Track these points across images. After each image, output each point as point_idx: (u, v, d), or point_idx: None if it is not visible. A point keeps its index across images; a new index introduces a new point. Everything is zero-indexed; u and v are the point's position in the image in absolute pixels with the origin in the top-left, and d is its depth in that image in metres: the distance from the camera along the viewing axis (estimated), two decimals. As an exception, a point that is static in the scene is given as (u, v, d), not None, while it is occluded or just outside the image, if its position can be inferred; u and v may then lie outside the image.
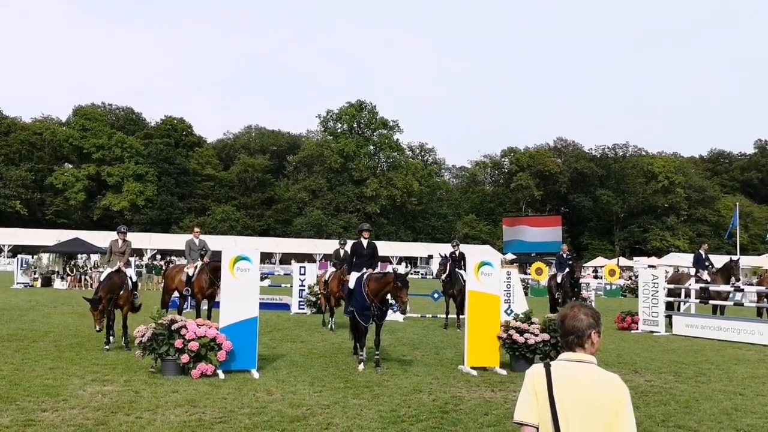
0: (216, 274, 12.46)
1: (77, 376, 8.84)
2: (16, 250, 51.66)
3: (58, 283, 31.63)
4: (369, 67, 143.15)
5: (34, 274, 32.71)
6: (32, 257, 34.69)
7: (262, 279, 20.83)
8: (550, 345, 10.09)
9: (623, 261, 62.26)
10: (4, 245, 60.21)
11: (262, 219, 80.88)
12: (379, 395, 8.20)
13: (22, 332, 13.32)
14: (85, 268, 34.04)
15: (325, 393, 8.25)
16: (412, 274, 39.31)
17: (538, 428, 2.74)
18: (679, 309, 18.51)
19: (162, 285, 18.53)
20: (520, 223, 31.54)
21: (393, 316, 16.09)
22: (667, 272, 21.04)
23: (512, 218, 38.83)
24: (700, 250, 18.92)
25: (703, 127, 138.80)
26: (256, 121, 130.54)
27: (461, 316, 14.94)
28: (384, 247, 46.37)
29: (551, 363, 2.82)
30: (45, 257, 35.74)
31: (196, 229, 15.07)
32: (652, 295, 16.77)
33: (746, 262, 47.17)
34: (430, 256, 59.72)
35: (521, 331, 10.27)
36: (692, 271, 19.66)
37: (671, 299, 17.89)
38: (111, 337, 11.74)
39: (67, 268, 33.16)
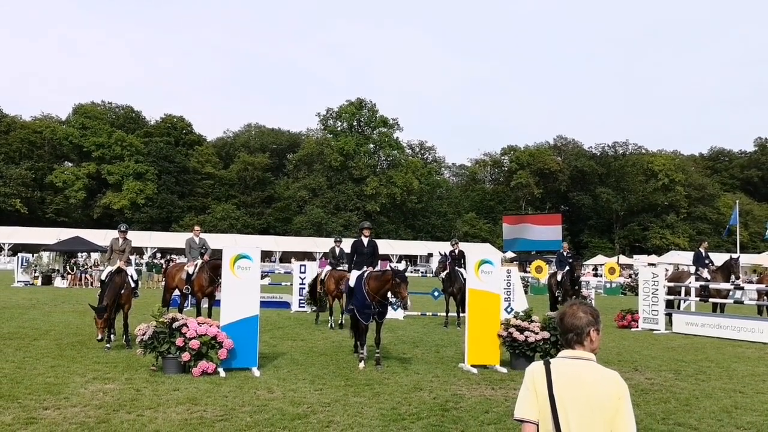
0: (216, 273, 12.49)
1: (79, 374, 8.86)
2: (16, 249, 51.65)
3: (58, 282, 31.69)
4: (369, 66, 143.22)
5: (35, 272, 32.76)
6: (32, 256, 34.69)
7: (262, 277, 20.87)
8: (550, 343, 10.10)
9: (623, 259, 62.29)
10: (4, 244, 60.19)
11: (262, 217, 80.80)
12: (379, 393, 8.21)
13: (23, 330, 13.35)
14: (86, 267, 34.13)
15: (325, 391, 8.27)
16: (411, 272, 39.43)
17: (538, 425, 2.76)
18: (679, 307, 18.53)
19: (162, 283, 18.55)
20: (522, 222, 31.57)
21: (393, 314, 16.12)
22: (667, 270, 21.07)
23: (513, 216, 38.87)
24: (700, 248, 18.94)
25: (703, 125, 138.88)
26: (256, 119, 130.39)
27: (461, 314, 14.97)
28: (384, 246, 46.43)
29: (551, 360, 2.84)
30: (45, 256, 35.83)
31: (197, 228, 15.09)
32: (652, 293, 16.78)
33: (746, 260, 47.25)
34: (430, 255, 59.77)
35: (521, 329, 10.28)
36: (692, 269, 19.68)
37: (671, 297, 17.91)
38: (112, 336, 11.76)
39: (68, 267, 33.23)
